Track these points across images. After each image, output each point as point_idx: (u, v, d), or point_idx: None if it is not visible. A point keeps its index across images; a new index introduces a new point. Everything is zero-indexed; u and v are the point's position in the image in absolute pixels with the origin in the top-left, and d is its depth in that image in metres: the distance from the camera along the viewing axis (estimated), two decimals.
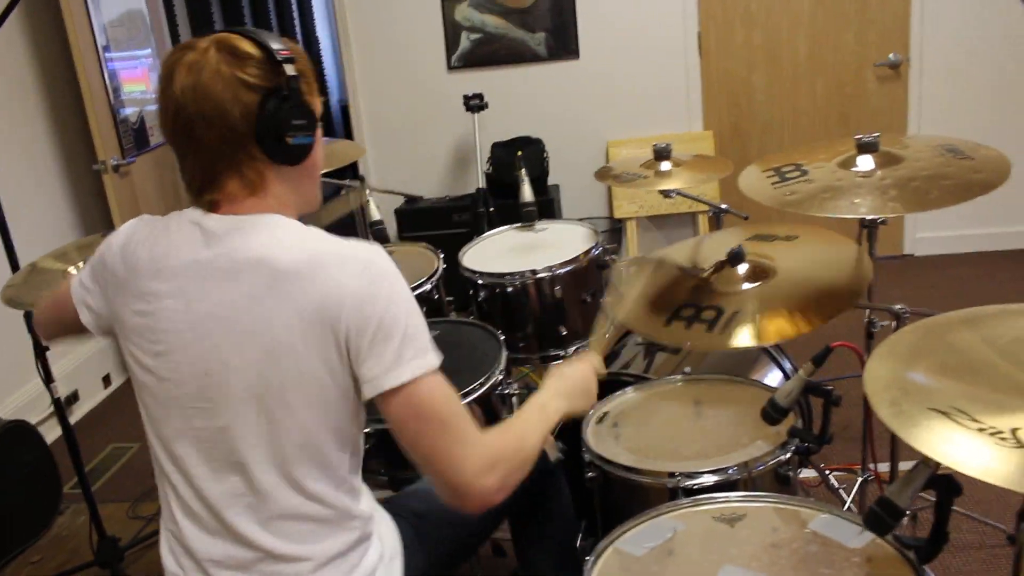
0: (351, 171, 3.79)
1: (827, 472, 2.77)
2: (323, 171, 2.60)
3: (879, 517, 1.35)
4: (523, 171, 2.74)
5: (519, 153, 3.89)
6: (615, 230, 4.70)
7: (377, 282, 1.30)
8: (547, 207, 4.38)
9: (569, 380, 1.64)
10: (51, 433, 3.43)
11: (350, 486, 1.42)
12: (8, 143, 3.80)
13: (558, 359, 2.44)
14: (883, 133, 2.02)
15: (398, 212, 4.56)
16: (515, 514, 1.91)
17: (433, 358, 1.33)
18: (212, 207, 1.36)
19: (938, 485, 1.35)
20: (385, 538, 1.52)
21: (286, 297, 1.28)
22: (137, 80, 4.43)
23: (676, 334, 1.86)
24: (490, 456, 1.33)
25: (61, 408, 2.76)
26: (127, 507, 3.29)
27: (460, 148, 4.82)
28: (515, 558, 2.03)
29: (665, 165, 2.55)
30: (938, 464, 1.24)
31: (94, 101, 3.91)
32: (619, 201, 4.63)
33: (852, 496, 2.63)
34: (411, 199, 4.61)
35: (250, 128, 1.30)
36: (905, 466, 2.51)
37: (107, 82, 4.03)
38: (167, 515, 1.47)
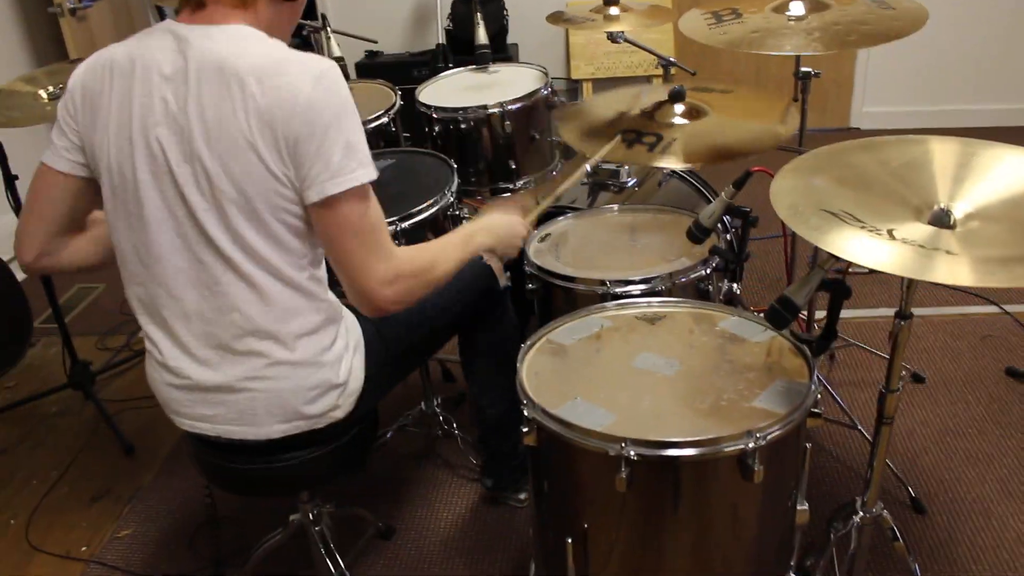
0: (310, 14, 3.81)
1: (757, 313, 2.99)
2: None
3: (778, 312, 1.53)
4: (479, 15, 2.83)
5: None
6: (571, 90, 4.79)
7: (328, 93, 1.41)
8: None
9: (500, 221, 1.80)
10: (20, 272, 3.51)
11: (312, 274, 1.57)
12: None
13: (507, 191, 2.59)
14: None
15: (358, 65, 4.60)
16: (464, 331, 2.11)
17: (369, 172, 1.45)
18: (197, 7, 1.45)
19: (830, 287, 1.55)
20: (350, 330, 1.69)
21: (246, 98, 1.39)
22: None
23: (618, 152, 2.01)
24: (395, 270, 1.49)
25: None
26: (96, 340, 3.45)
27: (421, 4, 4.83)
28: (463, 379, 2.23)
29: (614, 10, 2.66)
30: (847, 267, 1.43)
31: None
32: (576, 62, 4.71)
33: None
34: (371, 53, 4.64)
35: None
36: (820, 314, 2.74)
37: None
38: (153, 312, 1.60)
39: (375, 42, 3.62)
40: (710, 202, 2.74)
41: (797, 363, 1.58)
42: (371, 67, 4.59)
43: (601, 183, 2.62)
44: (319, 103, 1.39)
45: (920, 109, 4.83)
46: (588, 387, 1.55)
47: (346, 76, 2.82)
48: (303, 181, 1.43)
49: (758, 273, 3.48)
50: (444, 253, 1.64)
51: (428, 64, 4.41)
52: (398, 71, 4.52)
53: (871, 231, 1.35)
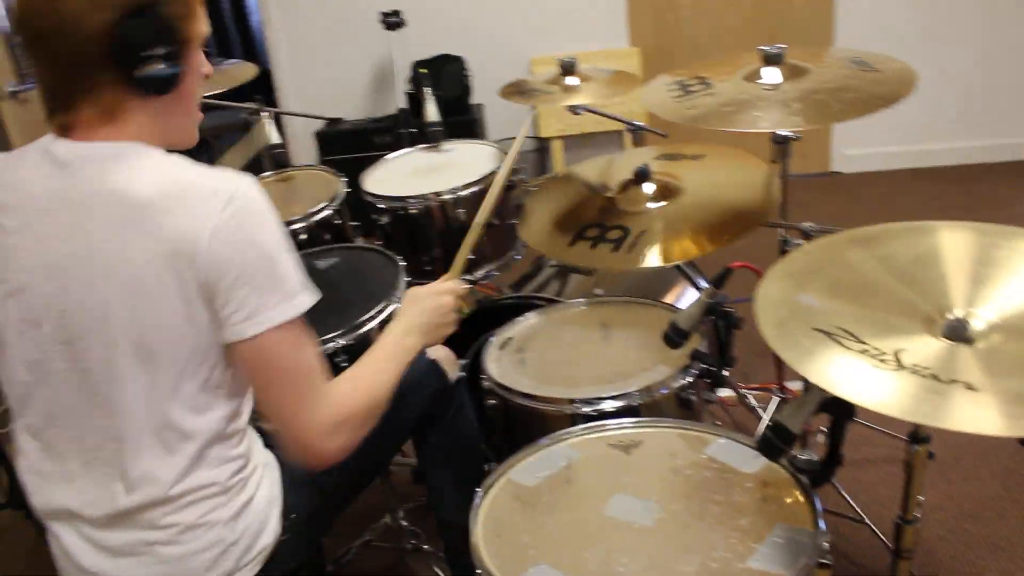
0: (253, 91, 3.60)
1: (744, 392, 2.76)
2: (219, 92, 2.47)
3: (771, 442, 1.32)
4: (427, 89, 2.62)
5: (422, 70, 3.73)
6: (540, 150, 4.60)
7: (239, 219, 1.20)
8: (468, 127, 4.27)
9: (422, 313, 1.57)
10: None
11: (222, 438, 1.34)
12: None
13: (469, 283, 2.37)
14: (805, 47, 1.97)
15: (318, 134, 4.41)
16: (418, 437, 1.87)
17: (297, 304, 1.26)
18: (65, 131, 1.24)
19: (831, 408, 1.33)
20: (264, 482, 1.45)
21: (141, 233, 1.18)
22: None
23: (581, 255, 1.83)
24: (337, 417, 1.31)
25: None
26: None
27: (380, 67, 4.65)
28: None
29: (572, 80, 2.46)
30: None
31: None
32: (544, 120, 4.52)
33: (769, 415, 2.64)
34: (332, 120, 4.45)
35: (105, 50, 1.18)
36: None
37: None
38: (42, 467, 1.38)
39: (320, 118, 3.42)
40: (686, 276, 2.55)
41: (798, 500, 1.35)
42: (331, 136, 4.40)
43: (569, 265, 2.41)
44: (231, 233, 1.19)
45: (903, 149, 4.67)
46: (553, 546, 1.31)
47: (286, 164, 2.65)
48: (218, 323, 1.23)
49: (747, 340, 3.26)
50: (381, 376, 1.43)
51: (390, 130, 4.23)
52: (359, 139, 4.34)
53: (875, 356, 1.14)
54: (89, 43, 1.17)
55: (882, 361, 1.13)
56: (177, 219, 1.18)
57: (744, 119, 1.71)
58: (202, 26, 1.30)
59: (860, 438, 2.66)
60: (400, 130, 4.03)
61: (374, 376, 1.42)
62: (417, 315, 1.57)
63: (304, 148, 4.78)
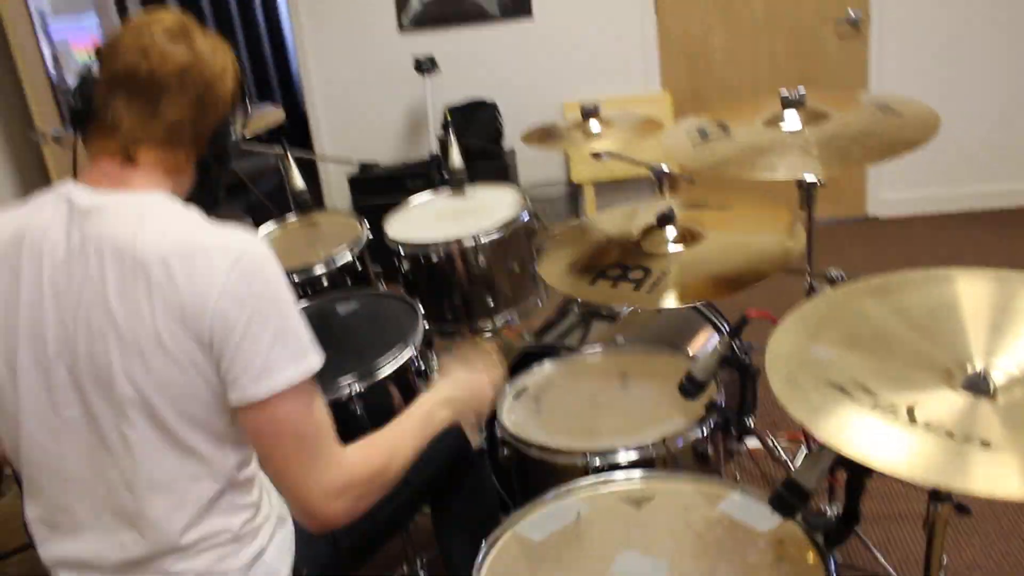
0: (290, 135, 3.63)
1: (771, 442, 2.70)
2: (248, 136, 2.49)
3: (785, 499, 1.27)
4: (451, 135, 2.63)
5: (448, 117, 3.75)
6: (572, 195, 4.59)
7: (247, 279, 1.20)
8: (501, 172, 4.27)
9: (461, 389, 1.59)
10: None
11: (235, 480, 1.33)
12: None
13: (487, 331, 2.34)
14: (832, 92, 1.95)
15: (352, 180, 4.45)
16: (435, 500, 1.84)
17: (307, 364, 1.24)
18: (125, 160, 1.27)
19: (848, 464, 1.28)
20: (276, 537, 1.43)
21: (150, 291, 1.19)
22: (86, 49, 4.30)
23: (601, 293, 1.80)
24: (343, 481, 1.28)
25: None
26: None
27: (414, 112, 4.69)
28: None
29: (595, 127, 2.44)
30: None
31: (28, 68, 3.76)
32: (576, 165, 4.52)
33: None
34: (365, 166, 4.49)
35: (213, 130, 1.33)
36: None
37: (42, 49, 3.89)
38: (49, 519, 1.36)
39: (344, 162, 3.48)
40: (716, 325, 2.50)
41: (813, 561, 1.30)
42: (364, 180, 4.43)
43: (592, 311, 2.38)
44: (238, 292, 1.19)
45: (940, 193, 4.58)
46: None
47: (309, 208, 2.66)
48: (225, 383, 1.22)
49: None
50: (401, 445, 1.40)
51: (424, 175, 4.25)
52: (392, 183, 4.37)
53: (886, 412, 1.09)
54: (211, 112, 1.32)
55: (895, 417, 1.09)
56: (187, 278, 1.18)
57: (762, 165, 1.69)
58: None
59: (893, 492, 2.58)
60: (433, 175, 4.05)
61: (395, 444, 1.40)
62: (456, 390, 1.58)
63: (338, 193, 4.82)
